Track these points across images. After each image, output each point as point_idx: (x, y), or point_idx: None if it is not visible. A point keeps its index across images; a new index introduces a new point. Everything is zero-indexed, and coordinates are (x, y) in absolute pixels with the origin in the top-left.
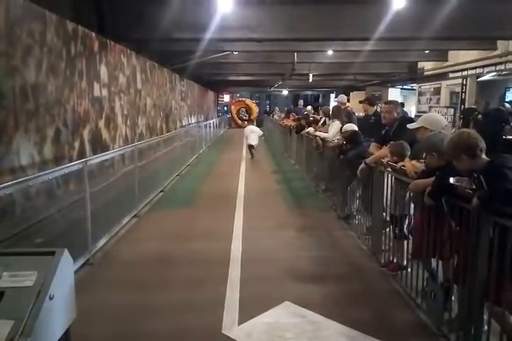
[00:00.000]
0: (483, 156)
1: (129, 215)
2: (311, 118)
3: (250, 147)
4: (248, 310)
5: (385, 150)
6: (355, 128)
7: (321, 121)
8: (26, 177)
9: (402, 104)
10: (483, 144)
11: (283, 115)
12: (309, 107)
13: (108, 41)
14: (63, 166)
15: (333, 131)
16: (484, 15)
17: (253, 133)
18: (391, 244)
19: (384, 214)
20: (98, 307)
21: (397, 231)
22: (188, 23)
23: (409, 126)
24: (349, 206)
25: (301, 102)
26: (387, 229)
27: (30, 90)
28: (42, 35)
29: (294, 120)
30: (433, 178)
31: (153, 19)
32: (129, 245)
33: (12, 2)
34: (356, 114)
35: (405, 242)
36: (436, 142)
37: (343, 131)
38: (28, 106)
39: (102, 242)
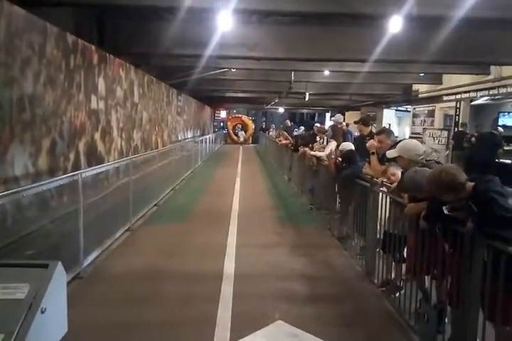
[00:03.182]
0: (468, 184)
1: (122, 229)
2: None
3: (241, 142)
4: (240, 329)
5: (382, 168)
6: (352, 146)
7: (321, 140)
8: (20, 188)
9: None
10: (463, 176)
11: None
12: (318, 124)
13: (107, 55)
14: (57, 178)
15: (328, 150)
16: (478, 41)
17: (242, 135)
18: (383, 264)
19: (378, 235)
20: (87, 322)
21: (397, 255)
22: (188, 39)
23: (388, 154)
24: (346, 226)
25: (287, 122)
26: (380, 248)
27: (27, 101)
28: (41, 47)
29: (285, 138)
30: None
31: (154, 34)
32: (121, 259)
33: (14, 13)
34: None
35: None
36: (419, 181)
37: (340, 148)
38: (24, 117)
39: (93, 255)
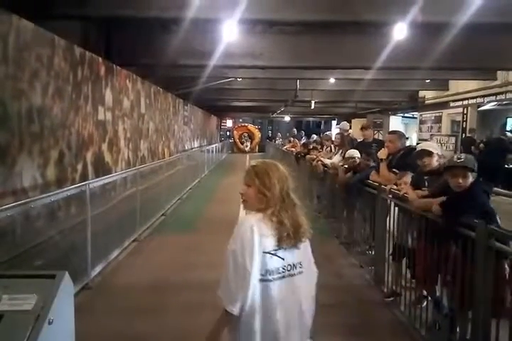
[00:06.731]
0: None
1: (130, 239)
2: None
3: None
4: None
5: (390, 175)
6: (357, 154)
7: (327, 148)
8: (28, 199)
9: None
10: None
11: (286, 141)
12: (329, 132)
13: (114, 66)
14: (65, 188)
15: (335, 158)
16: (484, 46)
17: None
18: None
19: (387, 243)
20: (96, 333)
21: (409, 270)
22: (193, 50)
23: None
24: (354, 234)
25: (294, 131)
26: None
27: (35, 113)
28: (50, 60)
29: (293, 146)
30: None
31: (160, 46)
32: (129, 270)
33: (22, 27)
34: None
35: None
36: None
37: (346, 156)
38: (32, 129)
39: (101, 266)
